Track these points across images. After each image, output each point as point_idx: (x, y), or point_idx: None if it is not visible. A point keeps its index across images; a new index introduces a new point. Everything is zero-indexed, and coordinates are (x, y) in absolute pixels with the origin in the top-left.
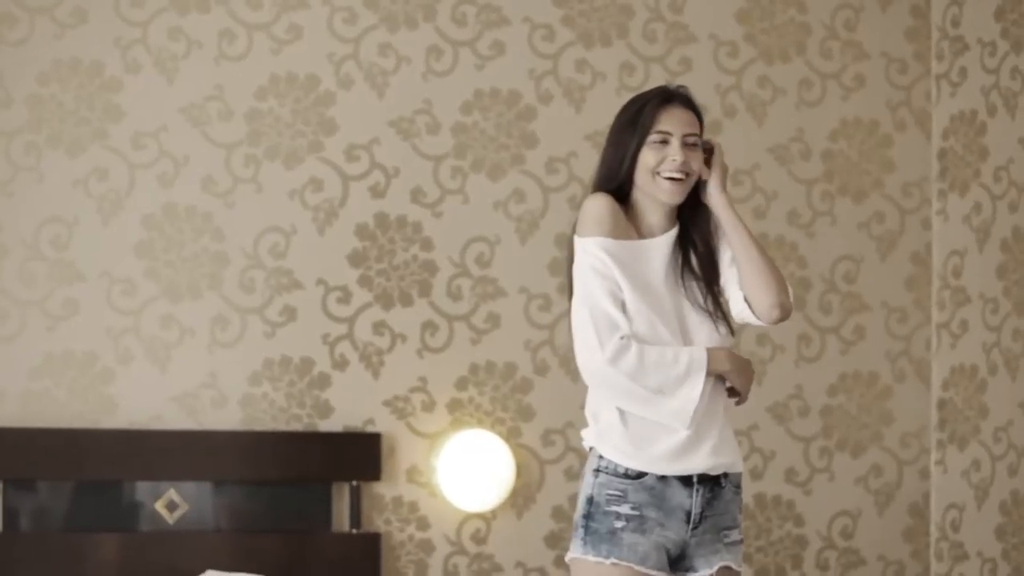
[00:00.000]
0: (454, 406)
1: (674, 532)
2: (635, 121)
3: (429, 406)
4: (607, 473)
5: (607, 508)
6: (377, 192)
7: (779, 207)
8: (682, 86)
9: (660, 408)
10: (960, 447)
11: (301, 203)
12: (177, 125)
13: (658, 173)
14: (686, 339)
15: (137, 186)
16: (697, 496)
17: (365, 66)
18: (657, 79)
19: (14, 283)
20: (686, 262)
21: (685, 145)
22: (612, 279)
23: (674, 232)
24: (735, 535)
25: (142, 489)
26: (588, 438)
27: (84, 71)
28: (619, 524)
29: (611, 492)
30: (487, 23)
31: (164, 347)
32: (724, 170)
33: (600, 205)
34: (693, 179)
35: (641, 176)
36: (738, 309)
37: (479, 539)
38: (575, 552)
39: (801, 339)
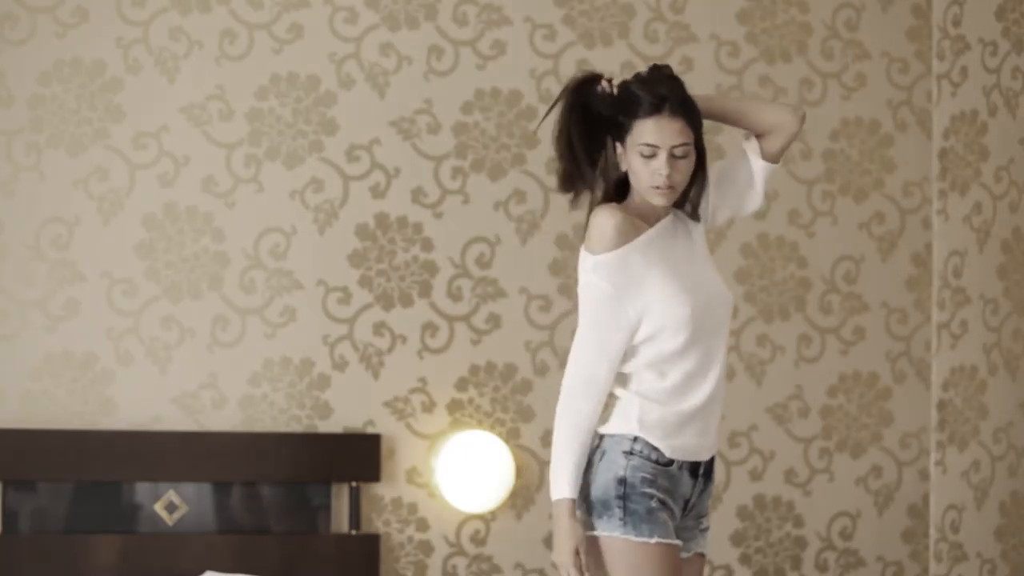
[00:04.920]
0: (454, 407)
1: (673, 517)
2: (625, 115)
3: (429, 407)
4: (640, 456)
5: (643, 489)
6: (377, 192)
7: (779, 207)
8: (669, 95)
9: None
10: (960, 448)
11: (302, 203)
12: (178, 125)
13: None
14: (707, 300)
15: (138, 186)
16: (697, 486)
17: (366, 66)
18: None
19: (14, 283)
20: (691, 230)
21: (672, 157)
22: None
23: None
24: (706, 522)
25: (142, 490)
26: (618, 427)
27: (85, 71)
28: (654, 504)
29: (644, 475)
30: (488, 23)
31: (164, 348)
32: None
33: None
34: (682, 187)
35: (632, 180)
36: (759, 195)
37: (478, 540)
38: (611, 531)
39: (801, 339)
